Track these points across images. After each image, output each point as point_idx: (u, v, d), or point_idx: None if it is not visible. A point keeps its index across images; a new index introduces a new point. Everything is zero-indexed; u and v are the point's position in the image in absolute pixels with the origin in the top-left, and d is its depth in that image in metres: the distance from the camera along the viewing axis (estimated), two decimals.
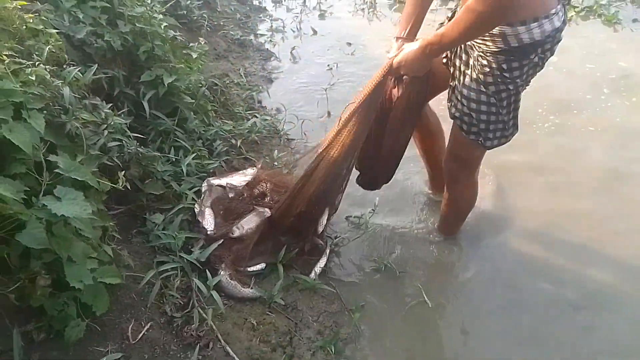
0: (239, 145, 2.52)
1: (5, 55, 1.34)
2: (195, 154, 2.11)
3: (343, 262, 2.06)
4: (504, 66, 1.49)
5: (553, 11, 1.43)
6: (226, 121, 2.68)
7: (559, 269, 2.10)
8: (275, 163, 2.48)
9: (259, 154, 2.60)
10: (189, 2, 3.61)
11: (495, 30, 1.43)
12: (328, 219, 2.00)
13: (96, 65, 1.74)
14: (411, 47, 1.57)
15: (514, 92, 1.57)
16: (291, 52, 3.85)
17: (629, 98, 3.27)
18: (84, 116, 1.53)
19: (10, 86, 1.27)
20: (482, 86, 1.54)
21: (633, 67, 3.59)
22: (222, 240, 1.83)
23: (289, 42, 4.02)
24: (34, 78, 1.30)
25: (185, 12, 3.53)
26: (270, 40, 4.03)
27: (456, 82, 1.64)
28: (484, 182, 2.41)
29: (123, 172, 1.48)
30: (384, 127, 1.81)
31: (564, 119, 3.06)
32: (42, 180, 1.30)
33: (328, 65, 3.62)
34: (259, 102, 3.14)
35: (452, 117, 1.69)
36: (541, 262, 2.14)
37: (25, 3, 1.55)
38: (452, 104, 1.68)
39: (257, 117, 2.79)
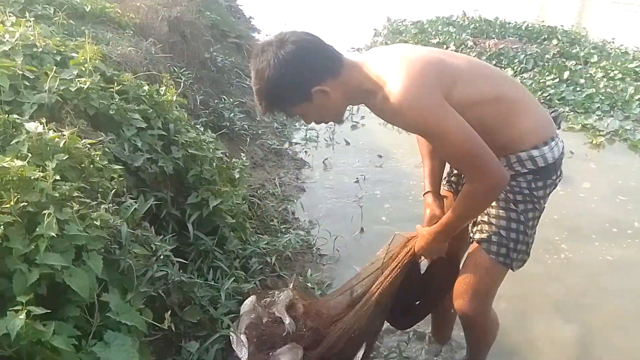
0: (273, 262, 2.55)
1: (73, 197, 1.44)
2: (233, 278, 2.13)
3: None
4: (533, 185, 1.57)
5: (557, 131, 1.62)
6: (261, 236, 2.74)
7: None
8: (308, 284, 2.48)
9: (292, 271, 2.61)
10: (231, 114, 3.85)
11: (524, 155, 1.54)
12: (364, 356, 1.95)
13: (152, 199, 1.83)
14: (423, 236, 1.71)
15: (538, 214, 1.63)
16: (324, 162, 4.00)
17: None
18: (136, 250, 1.58)
19: (76, 231, 1.34)
20: (511, 204, 1.59)
21: None
22: None
23: (322, 152, 4.19)
24: (98, 223, 1.37)
25: (227, 123, 3.74)
26: (305, 151, 4.20)
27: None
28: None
29: (169, 312, 1.50)
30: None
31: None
32: (93, 322, 1.33)
33: (357, 178, 3.74)
34: (292, 213, 3.22)
35: (478, 241, 1.66)
36: None
37: (94, 142, 1.68)
38: (478, 228, 1.67)
39: (291, 233, 2.85)
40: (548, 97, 5.58)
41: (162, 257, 1.70)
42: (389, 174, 3.85)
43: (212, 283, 2.06)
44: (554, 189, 1.65)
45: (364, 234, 3.13)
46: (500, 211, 1.61)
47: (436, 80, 1.42)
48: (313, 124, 1.70)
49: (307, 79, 1.44)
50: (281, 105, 1.52)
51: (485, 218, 1.64)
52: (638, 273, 2.86)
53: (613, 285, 2.73)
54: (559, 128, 1.69)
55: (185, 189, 2.31)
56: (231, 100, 4.04)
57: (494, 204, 1.61)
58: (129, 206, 1.64)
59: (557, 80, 5.94)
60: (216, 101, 3.84)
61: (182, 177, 2.29)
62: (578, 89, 5.76)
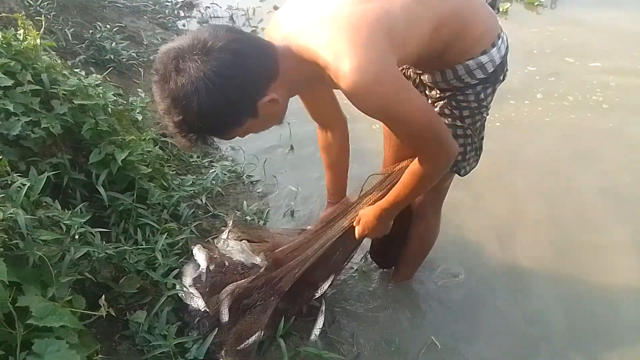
0: (204, 202, 2.37)
1: None
2: (166, 233, 1.95)
3: (337, 321, 1.99)
4: (482, 95, 1.46)
5: (500, 28, 1.46)
6: (184, 177, 2.52)
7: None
8: (247, 217, 2.35)
9: (227, 207, 2.46)
10: (113, 43, 3.35)
11: (472, 64, 1.38)
12: (331, 284, 1.92)
13: (45, 174, 1.54)
14: (367, 216, 1.62)
15: (485, 118, 1.57)
16: None
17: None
18: (44, 237, 1.35)
19: None
20: (457, 120, 1.50)
21: None
22: (217, 328, 1.71)
23: None
24: None
25: (112, 56, 3.27)
26: None
27: None
28: None
29: (102, 296, 1.32)
30: None
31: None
32: (16, 334, 1.13)
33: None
34: (215, 144, 2.97)
35: None
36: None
37: None
38: None
39: (216, 166, 2.64)
40: None
41: (77, 235, 1.46)
42: None
43: (143, 245, 1.86)
44: (499, 85, 1.52)
45: (294, 152, 2.99)
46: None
47: (389, 46, 1.15)
48: None
49: (252, 92, 1.13)
50: (218, 133, 1.19)
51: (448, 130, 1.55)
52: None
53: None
54: (497, 12, 1.57)
55: (83, 147, 1.99)
56: (108, 26, 3.49)
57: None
58: (19, 187, 1.35)
59: None
60: (91, 31, 3.30)
61: (76, 135, 1.96)
62: None
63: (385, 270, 2.20)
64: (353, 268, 2.17)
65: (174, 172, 2.52)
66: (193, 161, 2.68)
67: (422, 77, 1.51)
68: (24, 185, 1.38)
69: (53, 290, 1.29)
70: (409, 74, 1.58)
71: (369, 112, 1.18)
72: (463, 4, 1.35)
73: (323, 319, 1.90)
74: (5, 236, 1.23)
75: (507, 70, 1.50)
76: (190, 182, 2.44)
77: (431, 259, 2.17)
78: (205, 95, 1.05)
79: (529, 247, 2.33)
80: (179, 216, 2.20)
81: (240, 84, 1.09)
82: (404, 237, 1.95)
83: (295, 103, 1.47)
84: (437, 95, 1.50)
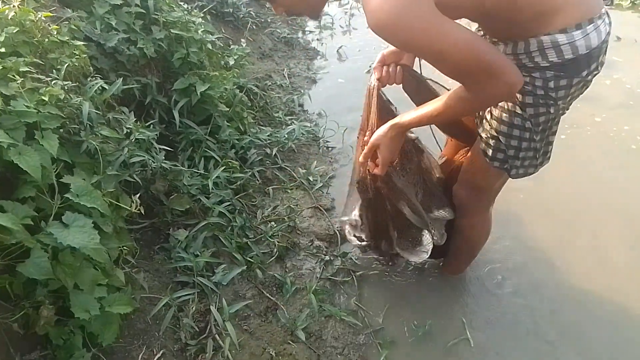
0: (274, 154, 2.42)
1: (23, 71, 1.30)
2: (224, 167, 2.03)
3: (375, 293, 1.92)
4: (551, 85, 1.23)
5: (603, 11, 1.21)
6: (264, 127, 2.60)
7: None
8: (310, 177, 2.36)
9: (295, 163, 2.49)
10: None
11: (547, 40, 1.18)
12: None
13: (120, 80, 1.68)
14: (380, 129, 1.44)
15: (553, 116, 1.32)
16: (338, 51, 3.72)
17: None
18: (104, 133, 1.47)
19: (23, 107, 1.23)
20: (518, 107, 1.30)
21: None
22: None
23: (337, 40, 3.89)
24: (46, 98, 1.25)
25: (231, 10, 3.46)
26: (318, 39, 3.91)
27: None
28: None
29: (138, 194, 1.42)
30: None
31: None
32: (54, 204, 1.26)
33: (370, 66, 3.45)
34: (301, 105, 3.04)
35: (480, 136, 1.46)
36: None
37: (49, 14, 1.51)
38: (482, 122, 1.44)
39: (295, 123, 2.69)
40: None
41: (135, 140, 1.58)
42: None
43: (202, 172, 1.96)
44: (585, 87, 1.29)
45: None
46: (504, 114, 1.33)
47: None
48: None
49: None
50: None
51: (488, 116, 1.39)
52: None
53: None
54: (610, 4, 1.32)
55: (172, 75, 2.15)
56: None
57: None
58: (91, 87, 1.49)
59: None
60: None
61: (168, 62, 2.12)
62: None
63: (436, 260, 2.08)
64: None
65: (255, 121, 2.60)
66: (277, 116, 2.76)
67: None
68: (95, 84, 1.51)
69: (98, 179, 1.40)
70: None
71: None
72: None
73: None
74: (67, 120, 1.36)
75: (597, 69, 1.25)
76: (268, 134, 2.52)
77: (487, 258, 2.00)
78: None
79: (585, 273, 2.05)
80: (247, 159, 2.28)
81: None
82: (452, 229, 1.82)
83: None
84: None
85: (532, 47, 1.20)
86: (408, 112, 1.40)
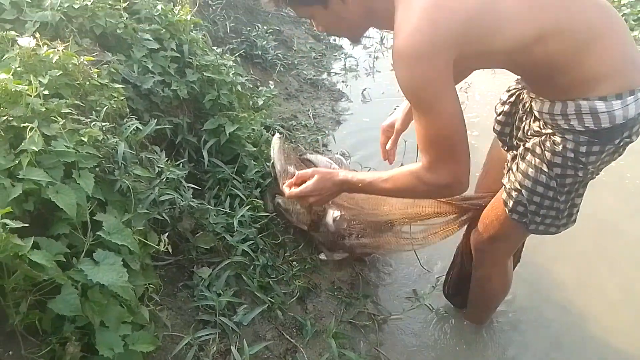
0: None
1: (64, 113, 1.37)
2: (249, 205, 2.06)
3: (396, 340, 1.89)
4: (583, 149, 1.22)
5: None
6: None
7: None
8: None
9: None
10: (265, 42, 3.68)
11: (585, 106, 1.18)
12: None
13: (155, 120, 1.75)
14: (325, 178, 1.49)
15: (580, 180, 1.31)
16: (362, 93, 3.79)
17: None
18: (137, 172, 1.52)
19: (63, 147, 1.28)
20: (544, 165, 1.30)
21: None
22: None
23: (362, 82, 3.96)
24: (85, 139, 1.31)
25: (260, 52, 3.58)
26: (343, 81, 4.00)
27: (517, 151, 1.41)
28: None
29: (166, 233, 1.45)
30: None
31: None
32: (86, 241, 1.29)
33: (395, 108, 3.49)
34: (325, 145, 3.09)
35: (503, 184, 1.46)
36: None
37: (91, 58, 1.59)
38: (507, 172, 1.45)
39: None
40: (623, 17, 4.92)
41: (166, 179, 1.63)
42: None
43: (228, 210, 1.99)
44: (617, 154, 1.28)
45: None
46: (530, 169, 1.33)
47: (453, 35, 1.09)
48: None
49: None
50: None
51: (515, 167, 1.39)
52: None
53: None
54: None
55: (202, 115, 2.22)
56: (265, 28, 3.84)
57: (526, 157, 1.34)
58: (127, 128, 1.56)
59: None
60: (248, 29, 3.67)
61: (199, 103, 2.19)
62: None
63: (459, 308, 2.05)
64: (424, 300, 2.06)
65: None
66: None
67: (532, 104, 1.35)
68: (131, 125, 1.57)
69: (129, 217, 1.44)
70: (523, 96, 1.44)
71: (399, 82, 1.14)
72: (594, 25, 1.16)
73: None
74: (103, 159, 1.41)
75: (629, 137, 1.24)
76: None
77: (513, 306, 1.97)
78: None
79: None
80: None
81: None
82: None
83: None
84: (537, 129, 1.33)
85: (569, 109, 1.21)
86: (357, 173, 1.48)
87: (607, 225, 2.49)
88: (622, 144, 1.24)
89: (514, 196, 1.39)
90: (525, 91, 1.42)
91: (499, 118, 1.52)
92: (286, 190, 1.57)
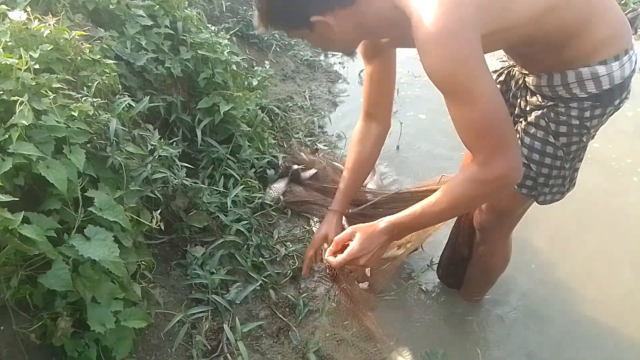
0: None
1: (55, 87, 1.35)
2: (243, 185, 2.05)
3: (388, 319, 1.91)
4: (587, 114, 1.25)
5: (633, 41, 1.24)
6: (284, 147, 2.63)
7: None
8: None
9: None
10: None
11: (587, 72, 1.19)
12: None
13: (147, 98, 1.73)
14: (368, 233, 1.30)
15: (584, 144, 1.34)
16: (359, 74, 3.76)
17: None
18: (129, 149, 1.51)
19: (54, 121, 1.27)
20: (551, 136, 1.31)
21: None
22: None
23: (359, 64, 3.91)
24: (76, 114, 1.29)
25: (256, 31, 3.52)
26: (340, 62, 3.96)
27: (517, 128, 1.40)
28: None
29: (159, 211, 1.44)
30: None
31: None
32: (77, 217, 1.29)
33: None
34: (321, 127, 3.07)
35: None
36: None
37: (83, 33, 1.57)
38: None
39: (316, 145, 2.72)
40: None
41: (159, 157, 1.61)
42: (427, 89, 3.55)
43: (222, 190, 1.99)
44: (613, 113, 1.30)
45: (398, 152, 2.95)
46: (536, 142, 1.33)
47: (480, 10, 1.04)
48: None
49: (306, 5, 1.16)
50: (277, 25, 1.25)
51: (518, 142, 1.38)
52: None
53: None
54: (634, 33, 1.36)
55: (197, 94, 2.20)
56: None
57: (530, 131, 1.33)
58: (119, 104, 1.54)
59: None
60: (245, 8, 3.61)
61: (194, 81, 2.17)
62: None
63: (453, 289, 2.06)
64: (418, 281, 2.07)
65: (276, 141, 2.63)
66: (296, 137, 2.78)
67: (526, 79, 1.37)
68: (123, 102, 1.55)
69: (121, 193, 1.43)
70: (514, 73, 1.45)
71: (433, 73, 1.05)
72: None
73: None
74: (95, 135, 1.40)
75: (626, 97, 1.27)
76: (286, 154, 2.54)
77: (504, 285, 1.98)
78: None
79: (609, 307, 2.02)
80: (266, 179, 2.30)
81: None
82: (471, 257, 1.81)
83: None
84: (538, 103, 1.33)
85: (569, 78, 1.22)
86: (400, 213, 1.28)
87: (618, 215, 2.52)
88: (620, 104, 1.26)
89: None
90: (516, 68, 1.42)
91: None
92: (331, 260, 1.38)
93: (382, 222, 1.30)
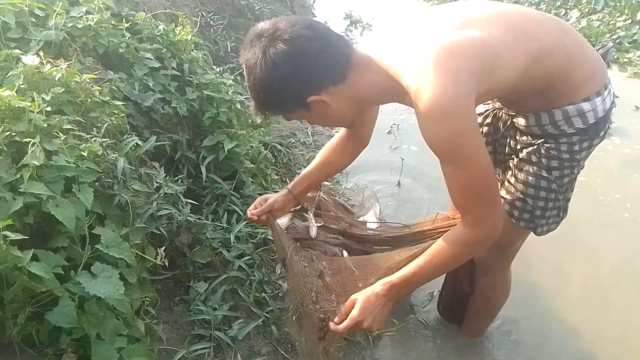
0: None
1: (66, 129, 1.41)
2: (247, 221, 2.08)
3: (390, 356, 1.90)
4: (576, 148, 1.31)
5: (609, 75, 1.33)
6: (287, 183, 2.67)
7: None
8: None
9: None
10: None
11: (573, 110, 1.26)
12: None
13: (154, 137, 1.79)
14: (368, 298, 1.35)
15: (575, 176, 1.40)
16: None
17: None
18: (136, 187, 1.56)
19: (64, 162, 1.32)
20: (544, 171, 1.36)
21: None
22: None
23: None
24: (85, 154, 1.34)
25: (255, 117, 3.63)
26: None
27: (509, 164, 1.46)
28: None
29: (163, 247, 1.47)
30: None
31: None
32: (84, 254, 1.32)
33: (390, 128, 3.56)
34: None
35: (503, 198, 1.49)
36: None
37: (93, 77, 1.64)
38: (505, 185, 1.49)
39: None
40: (618, 40, 5.03)
41: (164, 194, 1.66)
42: None
43: (225, 226, 2.02)
44: (600, 143, 1.37)
45: (400, 189, 2.99)
46: (530, 177, 1.38)
47: (475, 77, 1.11)
48: None
49: (300, 88, 1.19)
50: (273, 109, 1.28)
51: (512, 179, 1.44)
52: None
53: None
54: (608, 67, 1.43)
55: (202, 132, 2.26)
56: None
57: (523, 167, 1.39)
58: (127, 144, 1.59)
59: (630, 21, 5.35)
60: None
61: (199, 120, 2.24)
62: None
63: (454, 325, 2.05)
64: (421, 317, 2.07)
65: (279, 177, 2.68)
66: (298, 172, 2.83)
67: (514, 120, 1.41)
68: (130, 141, 1.61)
69: (127, 231, 1.47)
70: (500, 114, 1.49)
71: (433, 142, 1.14)
72: (569, 39, 1.27)
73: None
74: (103, 174, 1.45)
75: (609, 127, 1.35)
76: None
77: (505, 319, 1.98)
78: (260, 73, 1.16)
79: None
80: None
81: (288, 76, 1.16)
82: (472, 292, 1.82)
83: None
84: (528, 141, 1.38)
85: (557, 117, 1.29)
86: (395, 274, 1.34)
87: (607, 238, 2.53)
88: (604, 134, 1.34)
89: (518, 206, 1.44)
90: (503, 110, 1.48)
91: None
92: (336, 327, 1.40)
93: (379, 286, 1.36)
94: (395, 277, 1.34)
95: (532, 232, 1.49)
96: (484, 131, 1.55)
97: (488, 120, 1.53)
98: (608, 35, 5.10)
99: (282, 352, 1.75)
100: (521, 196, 1.42)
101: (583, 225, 2.55)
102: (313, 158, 3.01)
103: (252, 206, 1.67)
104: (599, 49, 1.52)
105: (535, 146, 1.36)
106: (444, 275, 1.94)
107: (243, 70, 1.26)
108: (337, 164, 1.73)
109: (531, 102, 1.32)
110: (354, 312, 1.35)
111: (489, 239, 1.23)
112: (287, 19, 1.20)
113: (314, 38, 1.17)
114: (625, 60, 4.72)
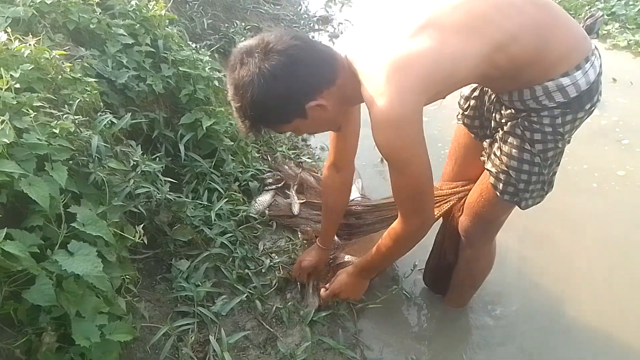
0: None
1: (36, 106, 1.37)
2: (227, 199, 2.08)
3: (374, 327, 1.93)
4: (559, 121, 1.31)
5: (593, 47, 1.31)
6: (268, 160, 2.66)
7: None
8: None
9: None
10: (243, 39, 3.68)
11: (552, 85, 1.27)
12: None
13: (129, 114, 1.75)
14: (344, 276, 1.70)
15: (560, 150, 1.40)
16: None
17: None
18: (112, 165, 1.53)
19: (35, 139, 1.29)
20: (527, 144, 1.37)
21: None
22: None
23: None
24: (57, 131, 1.31)
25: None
26: None
27: (496, 137, 1.47)
28: None
29: (142, 224, 1.46)
30: None
31: None
32: (60, 233, 1.30)
33: None
34: (304, 140, 3.10)
35: (489, 171, 1.52)
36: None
37: (64, 53, 1.59)
38: (491, 158, 1.51)
39: (300, 158, 2.75)
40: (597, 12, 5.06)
41: (141, 172, 1.63)
42: None
43: (206, 203, 2.01)
44: (587, 117, 1.37)
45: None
46: (513, 150, 1.39)
47: (421, 89, 1.18)
48: None
49: (301, 95, 1.22)
50: (269, 125, 1.31)
51: (498, 152, 1.46)
52: None
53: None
54: (596, 37, 1.43)
55: (179, 110, 2.23)
56: (243, 24, 3.85)
57: (507, 140, 1.41)
58: (100, 121, 1.56)
59: None
60: (226, 25, 3.67)
61: (176, 98, 2.20)
62: (631, 2, 5.18)
63: (438, 295, 2.09)
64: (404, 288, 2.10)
65: (260, 155, 2.67)
66: (280, 150, 2.82)
67: (499, 95, 1.42)
68: (104, 119, 1.58)
69: (104, 209, 1.45)
70: (486, 89, 1.51)
71: (381, 148, 1.22)
72: (544, 18, 1.25)
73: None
74: (77, 152, 1.42)
75: (597, 100, 1.34)
76: (269, 166, 2.58)
77: (487, 289, 2.02)
78: (258, 88, 1.16)
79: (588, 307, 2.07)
80: (250, 192, 2.33)
81: (289, 85, 1.18)
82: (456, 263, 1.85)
83: None
84: (512, 114, 1.40)
85: (537, 92, 1.30)
86: (363, 257, 1.63)
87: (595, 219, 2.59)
88: (592, 107, 1.33)
89: (502, 179, 1.46)
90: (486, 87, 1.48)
91: (467, 113, 1.59)
92: (322, 293, 1.81)
93: (351, 267, 1.70)
94: (362, 260, 1.63)
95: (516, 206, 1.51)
96: (471, 104, 1.58)
97: (475, 94, 1.55)
98: (587, 8, 5.12)
99: (267, 326, 1.77)
100: (505, 169, 1.43)
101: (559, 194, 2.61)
102: (294, 136, 3.06)
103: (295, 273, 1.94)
104: (588, 18, 1.52)
105: (519, 119, 1.37)
106: (430, 244, 1.98)
107: (227, 91, 1.27)
108: (335, 207, 1.86)
109: (505, 84, 1.34)
110: (333, 285, 1.73)
111: (417, 234, 1.41)
112: (271, 33, 1.22)
113: (304, 46, 1.21)
114: (604, 32, 4.76)
